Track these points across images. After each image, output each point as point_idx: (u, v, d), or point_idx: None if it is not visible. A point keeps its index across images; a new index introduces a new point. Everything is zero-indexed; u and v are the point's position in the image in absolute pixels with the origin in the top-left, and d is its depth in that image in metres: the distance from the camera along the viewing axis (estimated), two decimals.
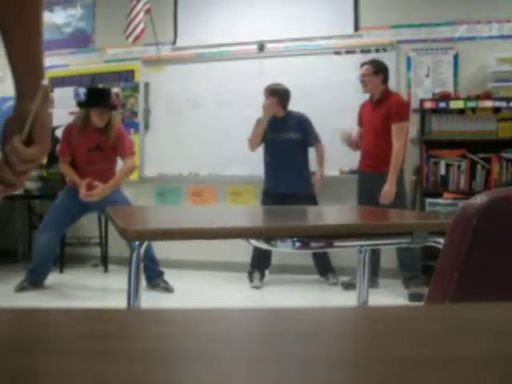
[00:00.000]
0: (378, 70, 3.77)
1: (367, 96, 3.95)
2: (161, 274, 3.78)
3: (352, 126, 4.03)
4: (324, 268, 4.14)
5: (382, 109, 3.72)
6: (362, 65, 3.87)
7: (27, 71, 0.89)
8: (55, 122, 5.00)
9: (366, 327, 0.35)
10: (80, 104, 3.83)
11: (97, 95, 3.69)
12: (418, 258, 3.65)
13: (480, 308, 0.41)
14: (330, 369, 0.26)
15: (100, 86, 4.91)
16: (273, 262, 4.36)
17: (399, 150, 3.65)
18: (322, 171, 4.11)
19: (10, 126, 0.85)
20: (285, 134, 4.07)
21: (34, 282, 3.66)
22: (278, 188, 4.05)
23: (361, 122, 4.00)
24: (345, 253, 4.01)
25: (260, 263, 4.11)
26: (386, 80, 3.80)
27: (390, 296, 3.74)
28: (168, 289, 3.72)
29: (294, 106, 4.17)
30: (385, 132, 3.70)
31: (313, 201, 4.06)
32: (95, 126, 3.63)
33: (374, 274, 3.91)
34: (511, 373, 0.26)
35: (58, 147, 3.81)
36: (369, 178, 3.84)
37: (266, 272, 4.16)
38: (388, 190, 3.66)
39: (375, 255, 3.92)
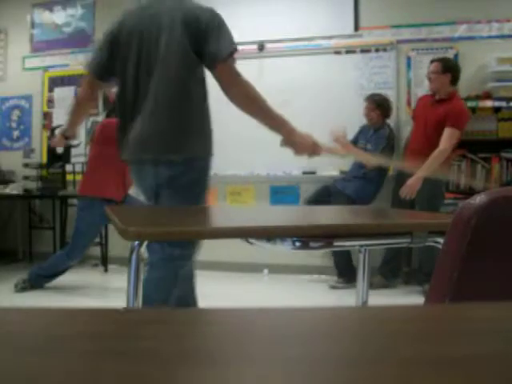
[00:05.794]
0: (447, 68, 3.61)
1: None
2: None
3: (355, 126, 4.00)
4: (341, 270, 3.96)
5: (442, 109, 3.56)
6: (432, 61, 3.73)
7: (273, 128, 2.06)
8: (55, 121, 5.02)
9: (365, 327, 0.35)
10: None
11: None
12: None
13: (480, 308, 0.41)
14: (330, 369, 0.26)
15: None
16: (272, 261, 4.36)
17: (441, 152, 3.51)
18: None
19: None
20: (365, 145, 3.95)
21: (37, 285, 3.67)
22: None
23: (414, 116, 3.90)
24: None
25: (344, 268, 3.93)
26: (455, 80, 3.64)
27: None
28: None
29: (294, 106, 4.17)
30: (437, 133, 3.55)
31: None
32: None
33: (394, 275, 3.85)
34: (511, 372, 0.26)
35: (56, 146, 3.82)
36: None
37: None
38: (412, 184, 3.53)
39: (396, 257, 3.86)
